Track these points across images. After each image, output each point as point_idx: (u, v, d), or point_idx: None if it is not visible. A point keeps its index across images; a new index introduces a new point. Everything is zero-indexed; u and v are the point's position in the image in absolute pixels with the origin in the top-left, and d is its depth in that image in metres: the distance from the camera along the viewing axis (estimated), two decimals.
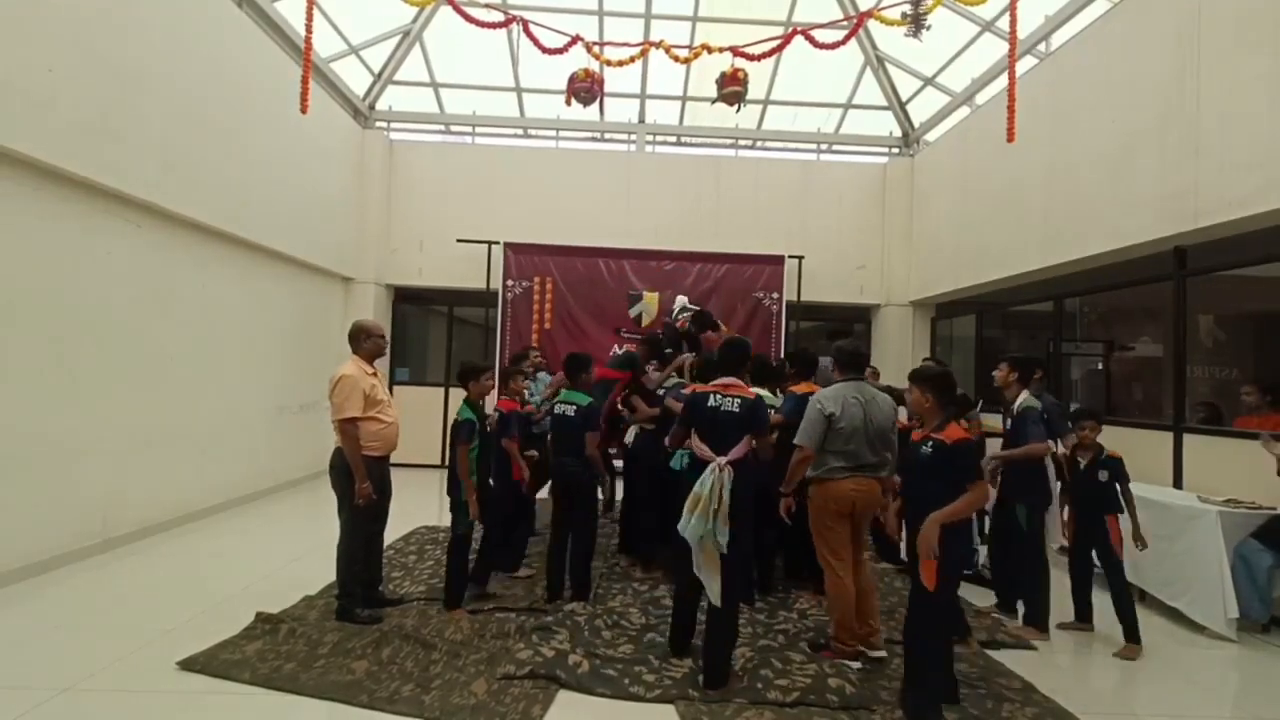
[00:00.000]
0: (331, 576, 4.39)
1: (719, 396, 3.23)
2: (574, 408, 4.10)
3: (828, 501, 3.39)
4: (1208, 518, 4.10)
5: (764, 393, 4.18)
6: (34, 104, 4.06)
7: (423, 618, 3.76)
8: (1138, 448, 5.38)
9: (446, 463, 3.94)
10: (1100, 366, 7.18)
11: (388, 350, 4.08)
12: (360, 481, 3.60)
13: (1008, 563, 4.26)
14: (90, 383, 4.67)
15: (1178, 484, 5.03)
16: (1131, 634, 3.75)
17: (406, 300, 9.52)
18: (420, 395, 8.87)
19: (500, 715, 2.81)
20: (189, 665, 3.13)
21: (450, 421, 3.98)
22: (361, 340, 3.84)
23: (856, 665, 3.30)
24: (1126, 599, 3.79)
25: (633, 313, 8.86)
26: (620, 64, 6.14)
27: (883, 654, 3.38)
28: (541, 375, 5.69)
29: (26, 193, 4.20)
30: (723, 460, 3.06)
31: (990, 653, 3.62)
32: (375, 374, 3.87)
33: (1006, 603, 4.25)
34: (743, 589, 4.18)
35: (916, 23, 5.26)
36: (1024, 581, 4.09)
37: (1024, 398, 4.09)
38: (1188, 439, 5.07)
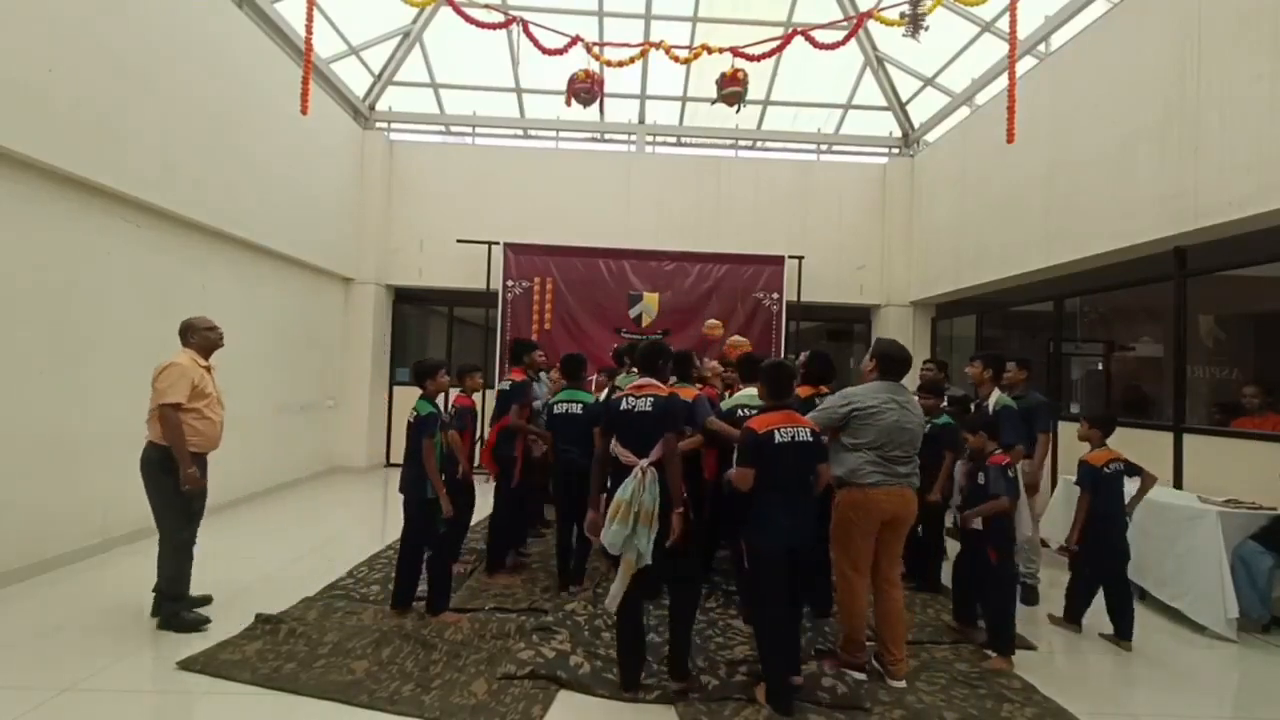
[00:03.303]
0: (330, 577, 4.43)
1: (632, 398, 3.09)
2: (580, 406, 4.28)
3: (855, 512, 3.18)
4: (1208, 518, 4.09)
5: (755, 393, 4.12)
6: (34, 104, 4.06)
7: (423, 618, 3.75)
8: (1137, 448, 5.38)
9: (402, 461, 3.77)
10: (1100, 367, 7.18)
11: (223, 343, 3.91)
12: (185, 467, 3.46)
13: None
14: (90, 383, 4.66)
15: (1178, 484, 5.03)
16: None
17: (406, 300, 9.53)
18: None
19: (500, 715, 2.81)
20: (189, 665, 3.12)
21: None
22: (189, 336, 3.74)
23: (862, 676, 3.23)
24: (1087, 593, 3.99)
25: (633, 313, 8.86)
26: (620, 64, 6.14)
27: (903, 684, 3.18)
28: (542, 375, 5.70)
29: (26, 193, 4.20)
30: (644, 463, 2.94)
31: (990, 653, 3.61)
32: (209, 368, 3.76)
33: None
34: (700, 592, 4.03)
35: (915, 23, 5.27)
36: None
37: (997, 396, 4.09)
38: (1188, 439, 5.06)
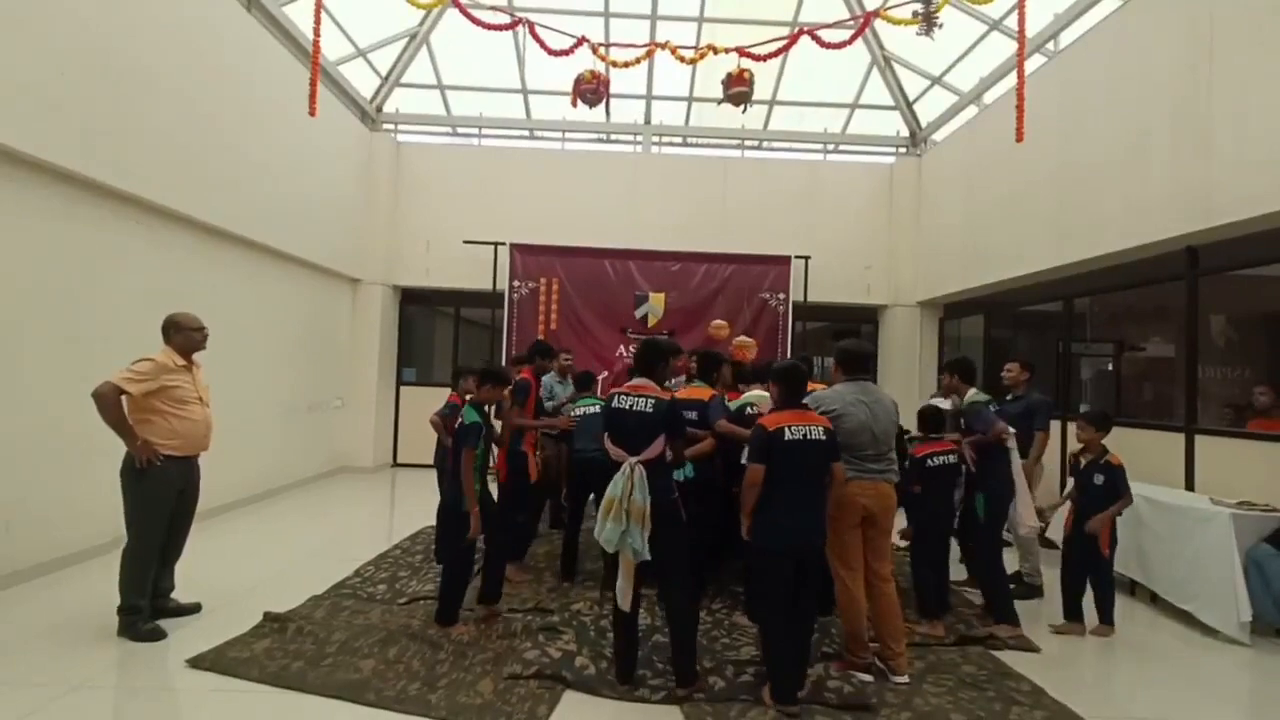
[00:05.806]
0: (338, 576, 4.44)
1: (628, 398, 3.12)
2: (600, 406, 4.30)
3: (834, 509, 3.20)
4: (1220, 520, 4.05)
5: (764, 394, 4.08)
6: (45, 107, 4.10)
7: (430, 617, 3.76)
8: (1149, 449, 5.33)
9: (449, 466, 3.70)
10: (1110, 367, 7.12)
11: (206, 345, 3.76)
12: (132, 441, 3.40)
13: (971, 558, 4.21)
14: (98, 383, 4.69)
15: (1190, 486, 4.97)
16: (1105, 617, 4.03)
17: (413, 301, 9.56)
18: (426, 395, 8.84)
19: (506, 715, 2.81)
20: (198, 663, 3.14)
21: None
22: (171, 333, 3.63)
23: (869, 678, 3.21)
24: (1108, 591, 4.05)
25: (639, 313, 8.86)
26: (626, 65, 6.14)
27: (906, 680, 3.20)
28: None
29: (37, 194, 4.24)
30: (633, 460, 2.96)
31: (998, 655, 3.58)
32: (189, 367, 3.64)
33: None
34: (697, 591, 4.03)
35: (929, 20, 5.21)
36: (983, 576, 4.02)
37: (972, 393, 4.15)
38: (1200, 440, 5.01)
